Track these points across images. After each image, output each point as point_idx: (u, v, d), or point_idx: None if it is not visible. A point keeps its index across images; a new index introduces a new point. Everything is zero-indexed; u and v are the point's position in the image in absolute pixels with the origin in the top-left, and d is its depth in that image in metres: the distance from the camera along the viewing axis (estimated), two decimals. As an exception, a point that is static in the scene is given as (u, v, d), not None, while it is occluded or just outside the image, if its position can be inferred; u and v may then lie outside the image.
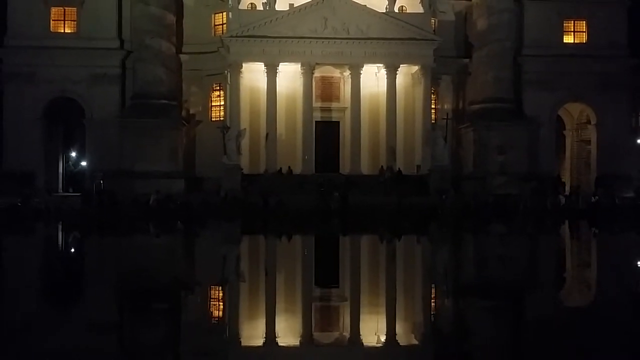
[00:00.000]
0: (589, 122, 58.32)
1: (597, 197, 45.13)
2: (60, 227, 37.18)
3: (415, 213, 41.25)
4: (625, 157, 55.73)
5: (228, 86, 53.28)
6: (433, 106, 55.64)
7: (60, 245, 28.98)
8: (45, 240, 31.67)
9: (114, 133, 52.32)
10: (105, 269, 19.61)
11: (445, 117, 53.45)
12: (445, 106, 57.03)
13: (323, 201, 42.98)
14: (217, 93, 57.15)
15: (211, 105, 57.36)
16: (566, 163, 62.14)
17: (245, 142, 51.13)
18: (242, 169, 49.95)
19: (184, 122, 54.98)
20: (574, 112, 60.31)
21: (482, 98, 54.61)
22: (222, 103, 56.26)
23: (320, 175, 50.07)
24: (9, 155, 53.36)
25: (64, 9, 54.57)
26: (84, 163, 61.50)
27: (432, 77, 53.58)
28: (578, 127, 60.87)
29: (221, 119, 55.42)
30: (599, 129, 56.46)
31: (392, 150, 52.45)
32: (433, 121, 54.46)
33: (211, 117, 57.00)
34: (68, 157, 66.63)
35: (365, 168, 52.90)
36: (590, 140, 58.42)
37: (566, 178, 59.94)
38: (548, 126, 56.05)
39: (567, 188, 57.36)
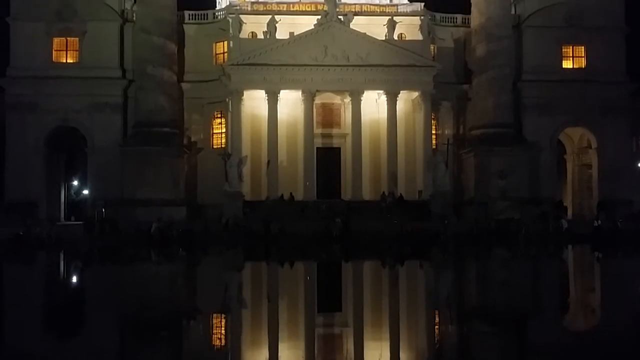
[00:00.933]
0: (589, 146, 58.46)
1: (599, 222, 45.00)
2: (62, 256, 37.09)
3: (417, 238, 41.15)
4: (626, 181, 55.75)
5: (229, 114, 53.55)
6: (434, 132, 55.83)
7: (62, 275, 28.87)
8: (47, 270, 31.56)
9: (116, 161, 52.53)
10: (107, 298, 19.52)
11: (446, 143, 53.62)
12: (446, 131, 57.22)
13: (325, 227, 42.88)
14: (218, 121, 57.40)
15: (212, 133, 57.59)
16: (567, 187, 62.13)
17: (246, 169, 51.22)
18: (243, 196, 49.96)
19: (185, 149, 55.15)
20: (575, 136, 60.48)
21: (482, 123, 54.82)
22: (224, 130, 56.49)
23: (322, 202, 50.06)
24: (12, 185, 53.52)
25: (66, 40, 55.13)
26: (85, 191, 61.54)
27: (433, 103, 53.86)
28: (579, 151, 60.98)
29: (222, 146, 55.63)
30: (600, 153, 56.59)
31: (393, 176, 52.49)
32: (434, 147, 54.60)
33: (212, 145, 57.20)
34: (70, 186, 66.70)
35: (366, 194, 52.90)
36: (591, 165, 58.51)
37: (568, 202, 59.92)
38: (549, 151, 56.19)
39: (569, 212, 57.39)
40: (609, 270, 28.57)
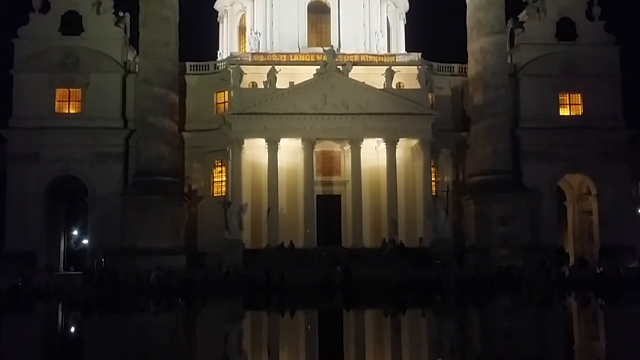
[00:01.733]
0: (589, 192, 58.55)
1: (601, 268, 44.76)
2: (61, 306, 36.73)
3: (419, 286, 40.83)
4: (627, 227, 55.66)
5: (230, 162, 53.84)
6: (433, 179, 56.03)
7: (60, 326, 28.55)
8: (45, 321, 31.20)
9: (116, 211, 52.59)
10: (105, 349, 19.27)
11: (446, 190, 53.79)
12: (446, 178, 57.43)
13: (326, 275, 42.60)
14: (219, 169, 57.66)
15: (213, 181, 57.76)
16: (568, 234, 61.93)
17: (246, 217, 51.19)
18: (244, 244, 49.80)
19: (186, 198, 55.24)
20: (574, 183, 60.63)
21: (481, 170, 55.05)
22: (224, 179, 56.69)
23: (323, 249, 49.90)
24: (11, 235, 53.37)
25: (69, 90, 55.84)
26: (85, 241, 61.36)
27: (432, 150, 54.20)
28: (579, 198, 61.03)
29: (223, 194, 55.75)
30: (600, 200, 56.66)
31: (393, 223, 52.43)
32: (434, 193, 54.74)
33: (213, 193, 57.32)
34: (70, 236, 66.54)
35: (367, 241, 52.74)
36: (591, 211, 58.46)
37: (569, 249, 59.67)
38: (549, 197, 56.27)
39: (571, 259, 57.10)
40: (612, 318, 28.27)
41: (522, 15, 61.12)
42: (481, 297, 38.09)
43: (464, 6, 57.86)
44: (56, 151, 54.02)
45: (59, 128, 54.28)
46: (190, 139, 57.19)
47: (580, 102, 57.96)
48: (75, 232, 70.23)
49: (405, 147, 54.98)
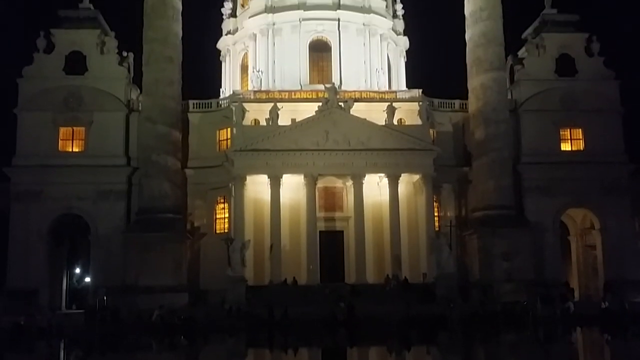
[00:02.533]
0: (592, 227, 58.38)
1: (606, 303, 44.37)
2: (62, 346, 36.40)
3: (423, 322, 40.44)
4: (631, 261, 55.39)
5: (232, 198, 53.92)
6: (436, 214, 55.97)
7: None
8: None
9: (119, 248, 52.52)
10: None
11: (449, 225, 53.70)
12: (448, 214, 57.37)
13: (329, 311, 42.26)
14: (221, 206, 57.71)
15: (215, 218, 57.75)
16: (573, 269, 61.55)
17: (249, 254, 51.00)
18: (246, 281, 49.54)
19: (188, 235, 55.18)
20: (577, 217, 60.51)
21: (484, 205, 55.01)
22: (227, 215, 56.69)
23: (326, 285, 49.64)
24: (14, 273, 53.19)
25: (73, 129, 56.27)
26: (87, 279, 61.09)
27: (434, 186, 54.30)
28: (582, 232, 60.83)
29: (225, 231, 55.69)
30: (603, 234, 56.47)
31: (397, 259, 52.24)
32: (437, 229, 54.62)
33: (215, 230, 57.26)
34: (72, 274, 66.25)
35: (370, 277, 52.48)
36: (595, 245, 58.20)
37: (574, 284, 59.24)
38: (552, 232, 56.11)
39: (576, 294, 56.66)
40: (619, 353, 27.94)
41: (521, 52, 61.87)
42: (486, 333, 37.70)
43: (463, 43, 58.57)
44: (59, 189, 54.21)
45: (62, 166, 54.59)
46: (192, 176, 57.37)
47: (581, 137, 58.21)
48: (77, 270, 69.91)
49: (407, 182, 55.09)
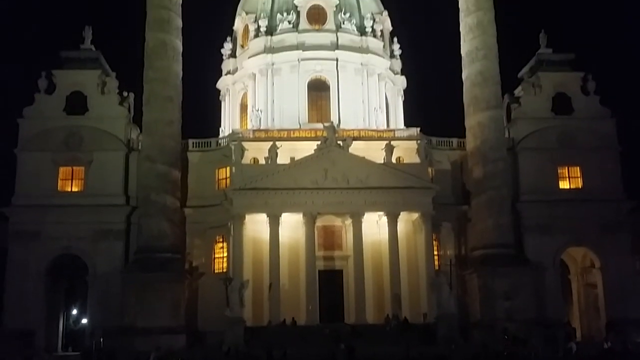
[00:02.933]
0: (593, 265, 58.08)
1: (609, 343, 43.86)
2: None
3: (424, 364, 39.84)
4: (633, 300, 54.85)
5: (231, 238, 53.76)
6: (435, 252, 55.74)
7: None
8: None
9: (117, 289, 52.17)
10: None
11: (449, 264, 53.38)
12: (448, 252, 57.14)
13: (329, 353, 41.70)
14: (220, 245, 57.48)
15: (214, 257, 57.47)
16: (574, 308, 61.05)
17: (248, 294, 50.52)
18: (245, 322, 48.95)
19: (186, 275, 54.80)
20: (577, 256, 60.24)
21: (483, 244, 54.79)
22: (225, 255, 56.43)
23: (325, 326, 49.12)
24: (11, 313, 52.79)
25: (72, 169, 56.41)
26: (85, 320, 60.47)
27: (433, 224, 54.17)
28: (583, 271, 60.49)
29: (224, 270, 55.40)
30: (604, 273, 56.16)
31: (397, 298, 51.81)
32: (437, 267, 54.34)
33: (214, 269, 56.94)
34: (69, 315, 65.62)
35: (370, 316, 52.02)
36: (596, 284, 57.78)
37: (575, 323, 58.67)
38: (552, 271, 55.79)
39: (578, 334, 56.09)
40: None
41: (517, 91, 62.50)
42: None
43: (460, 82, 59.17)
44: (58, 229, 54.08)
45: (61, 206, 54.60)
46: (191, 215, 57.29)
47: (579, 175, 58.32)
48: (74, 311, 69.26)
49: (406, 220, 55.00)
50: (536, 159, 57.91)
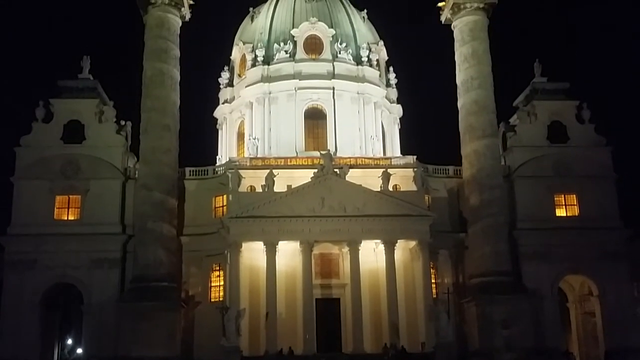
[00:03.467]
0: (591, 293, 57.83)
1: (609, 372, 43.62)
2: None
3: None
4: (632, 329, 54.63)
5: (228, 266, 53.46)
6: (433, 280, 55.50)
7: None
8: None
9: (112, 318, 51.78)
10: None
11: (447, 292, 53.15)
12: (445, 280, 56.89)
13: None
14: (216, 273, 57.16)
15: (210, 286, 57.10)
16: (573, 336, 60.65)
17: (244, 322, 50.19)
18: (241, 351, 48.56)
19: (182, 304, 54.40)
20: (575, 284, 60.04)
21: (481, 272, 54.63)
22: (222, 283, 56.08)
23: (323, 355, 48.76)
24: (5, 343, 52.15)
25: (69, 197, 56.20)
26: (80, 350, 59.85)
27: (430, 252, 54.02)
28: (581, 299, 60.21)
29: (220, 299, 54.97)
30: (602, 301, 55.86)
31: (394, 327, 51.42)
32: (434, 296, 53.98)
33: (210, 298, 56.54)
34: (64, 344, 64.99)
35: (368, 345, 51.56)
36: (594, 312, 57.46)
37: (574, 352, 58.21)
38: (550, 299, 55.52)
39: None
40: None
41: (513, 119, 62.86)
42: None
43: (455, 110, 59.67)
44: (54, 258, 53.75)
45: (58, 235, 54.28)
46: (188, 243, 57.07)
47: (575, 203, 58.34)
48: (69, 341, 68.67)
49: (404, 248, 54.86)
50: (532, 186, 58.01)
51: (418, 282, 53.93)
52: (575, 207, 58.31)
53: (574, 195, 58.36)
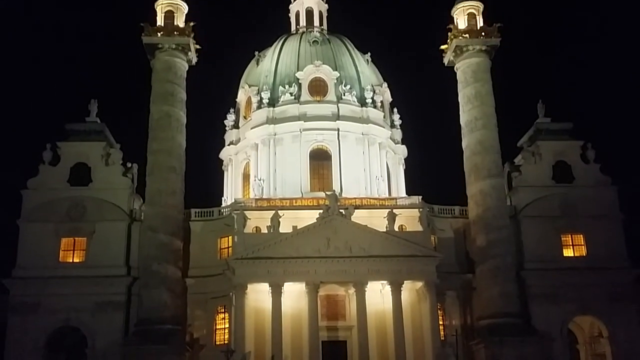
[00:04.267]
0: (601, 335, 56.93)
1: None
2: None
3: None
4: (644, 370, 53.64)
5: (233, 308, 53.05)
6: (441, 322, 54.86)
7: None
8: None
9: (116, 362, 51.09)
10: None
11: (455, 334, 52.42)
12: (453, 322, 56.17)
13: None
14: (221, 316, 56.62)
15: (215, 329, 56.50)
16: (584, 380, 59.53)
17: (250, 366, 49.56)
18: (247, 396, 47.84)
19: (187, 347, 53.74)
20: (585, 325, 59.15)
21: (489, 313, 53.98)
22: (227, 326, 55.51)
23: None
24: (8, 388, 51.53)
25: (74, 239, 56.12)
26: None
27: (437, 293, 53.51)
28: (591, 340, 59.20)
29: (225, 342, 54.28)
30: (612, 343, 54.94)
31: (402, 370, 50.64)
32: (442, 337, 53.28)
33: (215, 341, 55.86)
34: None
35: (375, 390, 50.72)
36: (605, 354, 56.47)
37: (587, 396, 57.09)
38: (560, 341, 54.62)
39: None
40: None
41: (518, 159, 62.93)
42: None
43: (460, 150, 59.84)
44: (58, 301, 53.32)
45: (62, 277, 54.02)
46: (193, 285, 56.70)
47: (583, 243, 57.85)
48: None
49: (410, 289, 54.38)
50: (539, 226, 57.69)
51: (425, 323, 53.31)
52: (583, 247, 57.85)
53: (581, 235, 57.96)
